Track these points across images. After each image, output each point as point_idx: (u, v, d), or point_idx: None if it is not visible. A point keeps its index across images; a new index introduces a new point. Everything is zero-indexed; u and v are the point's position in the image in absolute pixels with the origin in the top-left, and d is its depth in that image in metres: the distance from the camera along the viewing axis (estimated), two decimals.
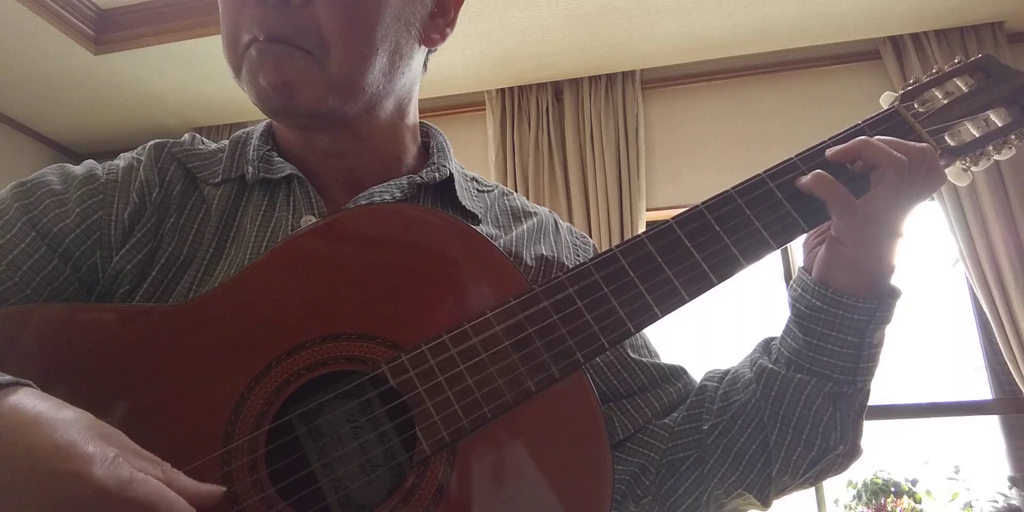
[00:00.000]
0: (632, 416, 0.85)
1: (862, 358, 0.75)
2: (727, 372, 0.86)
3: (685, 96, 3.73)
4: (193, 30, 3.32)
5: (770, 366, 0.79)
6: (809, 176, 0.74)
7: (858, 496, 3.30)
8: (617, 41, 3.44)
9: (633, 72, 3.70)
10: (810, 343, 0.76)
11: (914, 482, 3.28)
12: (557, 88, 3.81)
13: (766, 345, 0.84)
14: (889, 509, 3.22)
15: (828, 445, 0.76)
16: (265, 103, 0.76)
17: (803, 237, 0.78)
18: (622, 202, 3.50)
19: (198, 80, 3.71)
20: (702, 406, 0.84)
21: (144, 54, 3.45)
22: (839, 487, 3.36)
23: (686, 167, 3.61)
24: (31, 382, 0.56)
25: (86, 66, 3.52)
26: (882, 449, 3.52)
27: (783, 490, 0.81)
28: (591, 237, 3.44)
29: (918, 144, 0.75)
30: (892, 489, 3.26)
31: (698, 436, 0.82)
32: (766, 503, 0.81)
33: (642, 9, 3.19)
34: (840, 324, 0.75)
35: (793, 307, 0.79)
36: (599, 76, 3.72)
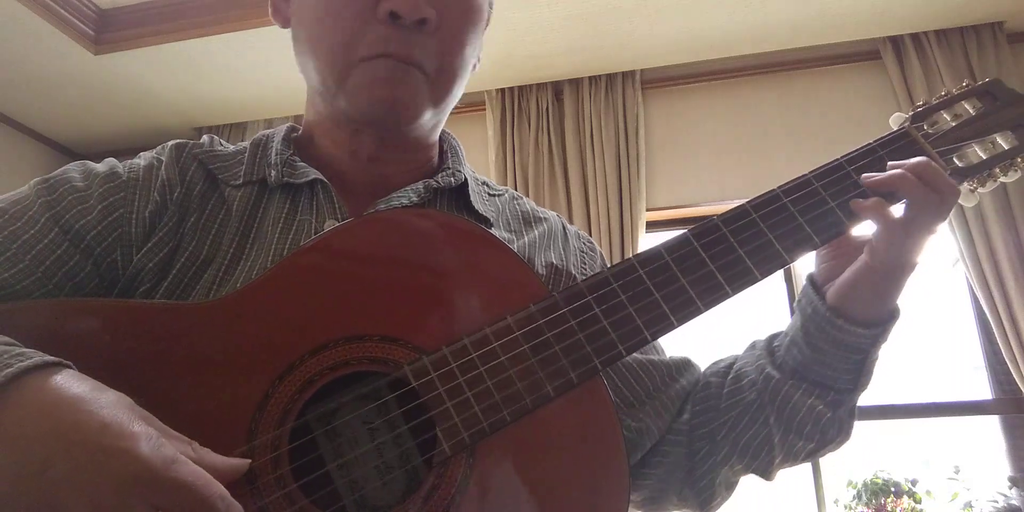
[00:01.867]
0: (662, 417, 0.89)
1: (863, 372, 0.81)
2: (730, 366, 0.91)
3: (685, 96, 3.73)
4: (193, 30, 3.32)
5: (776, 376, 0.84)
6: (870, 201, 0.76)
7: (858, 496, 3.30)
8: (617, 41, 3.44)
9: (633, 72, 3.70)
10: (817, 359, 0.81)
11: (914, 482, 3.28)
12: (557, 88, 3.81)
13: (769, 347, 0.88)
14: (889, 509, 3.22)
15: (826, 439, 0.84)
16: (368, 113, 0.80)
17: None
18: (622, 202, 3.50)
19: (198, 80, 3.70)
20: (708, 402, 0.89)
21: (144, 54, 3.45)
22: (839, 487, 3.36)
23: (686, 167, 3.61)
24: (71, 363, 0.58)
25: (86, 66, 3.52)
26: (882, 449, 3.53)
27: (783, 469, 0.89)
28: (591, 237, 3.45)
29: (948, 180, 0.77)
30: (892, 489, 3.26)
31: (708, 430, 0.88)
32: (768, 479, 0.89)
33: (642, 9, 3.20)
34: (846, 345, 0.79)
35: (802, 324, 0.82)
36: (599, 76, 3.72)
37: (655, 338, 0.72)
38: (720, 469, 0.87)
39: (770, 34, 3.41)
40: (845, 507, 3.33)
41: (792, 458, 0.86)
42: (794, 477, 3.15)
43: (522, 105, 3.80)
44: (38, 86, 3.69)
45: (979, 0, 3.15)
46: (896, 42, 3.42)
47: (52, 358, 0.57)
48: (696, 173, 3.60)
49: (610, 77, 3.72)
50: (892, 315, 0.80)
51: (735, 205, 0.78)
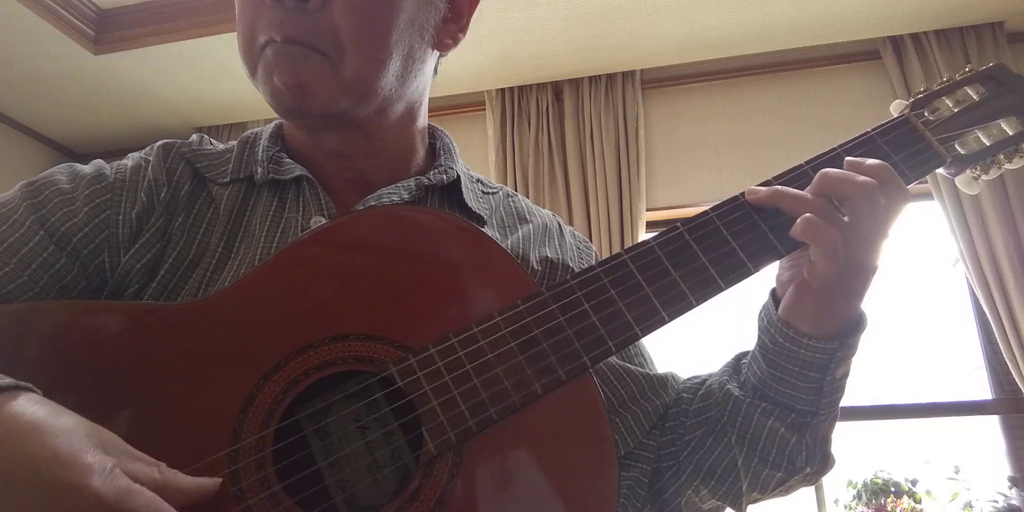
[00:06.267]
0: (632, 432, 0.85)
1: (824, 393, 0.75)
2: (703, 383, 0.87)
3: (685, 96, 3.73)
4: (193, 30, 3.33)
5: (736, 393, 0.80)
6: (799, 221, 0.70)
7: (858, 496, 3.30)
8: (617, 41, 3.44)
9: (633, 72, 3.70)
10: (774, 375, 0.76)
11: (914, 482, 3.27)
12: (557, 88, 3.81)
13: (736, 365, 0.85)
14: (889, 509, 3.22)
15: (795, 467, 0.78)
16: (279, 103, 0.76)
17: None
18: (622, 202, 3.50)
19: (198, 80, 3.70)
20: (678, 419, 0.86)
21: (144, 54, 3.45)
22: (839, 487, 3.36)
23: (686, 167, 3.61)
24: (31, 385, 0.56)
25: (86, 66, 3.52)
26: (882, 449, 3.52)
27: (756, 501, 0.83)
28: (591, 237, 3.45)
29: (865, 179, 0.70)
30: (892, 489, 3.25)
31: (674, 449, 0.84)
32: (739, 510, 0.82)
33: (642, 9, 3.19)
34: (802, 361, 0.74)
35: (759, 336, 0.79)
36: (599, 76, 3.72)
37: (646, 334, 0.70)
38: (684, 492, 0.83)
39: (770, 34, 3.41)
40: (845, 507, 3.33)
41: (761, 487, 0.80)
42: None
43: (522, 105, 3.80)
44: (38, 86, 3.69)
45: (979, 0, 3.14)
46: (896, 42, 3.41)
47: (8, 381, 0.54)
48: (696, 173, 3.59)
49: (610, 77, 3.72)
50: (853, 328, 0.74)
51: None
